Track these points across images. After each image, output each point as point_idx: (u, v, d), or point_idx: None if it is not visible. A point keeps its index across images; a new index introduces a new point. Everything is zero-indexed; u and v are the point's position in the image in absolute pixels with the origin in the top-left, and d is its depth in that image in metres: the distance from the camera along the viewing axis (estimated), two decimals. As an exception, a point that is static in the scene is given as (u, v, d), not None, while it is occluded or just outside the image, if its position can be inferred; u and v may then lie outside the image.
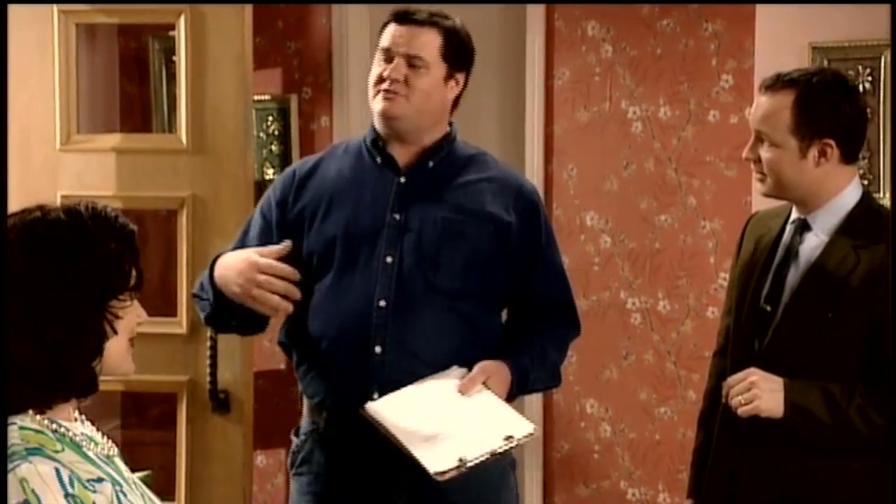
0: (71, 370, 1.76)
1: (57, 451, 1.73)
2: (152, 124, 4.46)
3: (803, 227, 2.66)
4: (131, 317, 1.83)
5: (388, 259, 2.73)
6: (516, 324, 2.89)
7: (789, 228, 2.69)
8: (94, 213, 1.80)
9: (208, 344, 3.65)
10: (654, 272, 4.24)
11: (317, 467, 2.80)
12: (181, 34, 3.70)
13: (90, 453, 1.79)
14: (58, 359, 1.74)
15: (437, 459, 2.54)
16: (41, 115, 3.77)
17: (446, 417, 2.63)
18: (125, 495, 1.77)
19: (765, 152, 2.62)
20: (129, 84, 4.43)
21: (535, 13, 4.31)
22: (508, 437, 2.59)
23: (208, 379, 3.66)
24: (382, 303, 2.71)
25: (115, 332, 1.80)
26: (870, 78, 3.69)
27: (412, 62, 2.74)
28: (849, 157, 2.61)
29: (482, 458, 2.56)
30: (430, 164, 2.81)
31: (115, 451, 1.87)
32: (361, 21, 4.49)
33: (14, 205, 3.52)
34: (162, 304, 3.67)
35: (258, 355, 4.17)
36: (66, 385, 1.78)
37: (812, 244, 2.63)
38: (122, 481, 1.81)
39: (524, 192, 2.86)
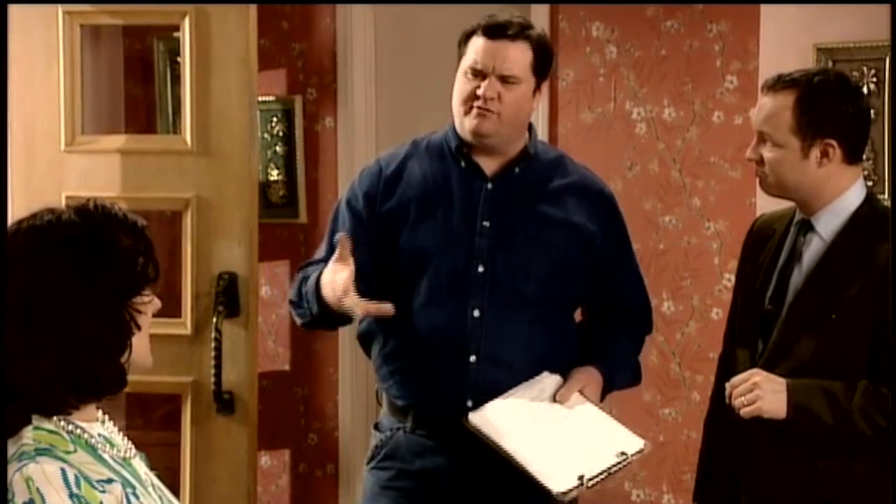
0: (100, 370, 1.77)
1: (68, 452, 1.73)
2: (157, 125, 4.47)
3: (807, 228, 2.65)
4: (150, 313, 1.84)
5: (481, 269, 2.75)
6: (597, 326, 2.92)
7: (793, 230, 2.69)
8: (104, 211, 1.80)
9: (212, 345, 3.65)
10: (659, 273, 4.24)
11: (402, 464, 2.81)
12: (186, 35, 3.70)
13: (105, 455, 1.79)
14: (86, 360, 1.75)
15: (557, 479, 2.58)
16: (46, 116, 3.77)
17: (554, 432, 2.67)
18: (137, 497, 1.77)
19: (767, 153, 2.62)
20: (134, 85, 4.43)
21: (540, 14, 4.30)
22: (622, 454, 2.65)
23: (213, 380, 3.66)
24: (476, 313, 2.73)
25: (139, 328, 1.81)
26: (875, 79, 3.69)
27: (506, 79, 2.72)
28: (852, 158, 2.61)
29: (601, 477, 2.61)
30: (516, 170, 2.81)
31: (132, 452, 1.87)
32: (366, 22, 4.48)
33: (19, 205, 3.55)
34: (166, 306, 3.64)
35: (262, 356, 4.17)
36: (96, 385, 1.78)
37: (815, 245, 2.63)
38: (136, 483, 1.81)
39: (605, 198, 2.90)
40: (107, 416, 1.89)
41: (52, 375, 1.73)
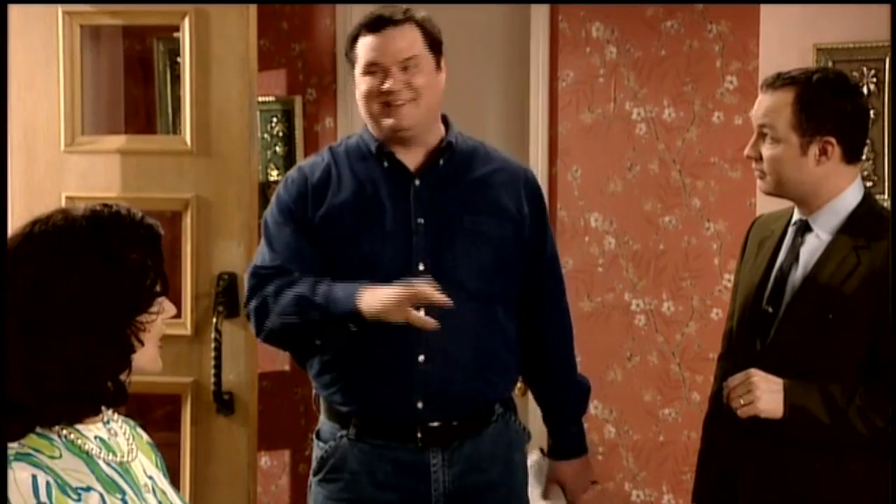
0: (100, 385, 1.75)
1: (53, 458, 1.72)
2: (157, 126, 4.46)
3: (804, 228, 2.66)
4: (159, 322, 1.81)
5: (421, 267, 2.70)
6: (535, 346, 2.90)
7: (791, 230, 2.69)
8: (116, 221, 1.77)
9: (212, 345, 3.65)
10: (659, 274, 4.24)
11: (349, 474, 2.76)
12: (185, 36, 3.70)
13: (100, 461, 1.78)
14: (87, 378, 1.73)
15: None
16: (46, 116, 3.78)
17: None
18: None
19: (766, 149, 2.62)
20: (134, 85, 4.43)
21: (540, 14, 4.31)
22: None
23: (213, 380, 3.66)
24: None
25: (142, 344, 1.78)
26: (874, 79, 3.69)
27: (405, 65, 2.69)
28: (850, 157, 2.61)
29: None
30: (441, 163, 2.79)
31: (133, 455, 1.85)
32: (366, 22, 4.48)
33: (19, 205, 3.54)
34: (166, 306, 3.67)
35: (262, 356, 4.17)
36: (96, 401, 1.77)
37: (813, 245, 2.63)
38: (128, 489, 1.79)
39: (530, 180, 2.89)
40: (113, 413, 1.87)
41: (52, 392, 1.72)
